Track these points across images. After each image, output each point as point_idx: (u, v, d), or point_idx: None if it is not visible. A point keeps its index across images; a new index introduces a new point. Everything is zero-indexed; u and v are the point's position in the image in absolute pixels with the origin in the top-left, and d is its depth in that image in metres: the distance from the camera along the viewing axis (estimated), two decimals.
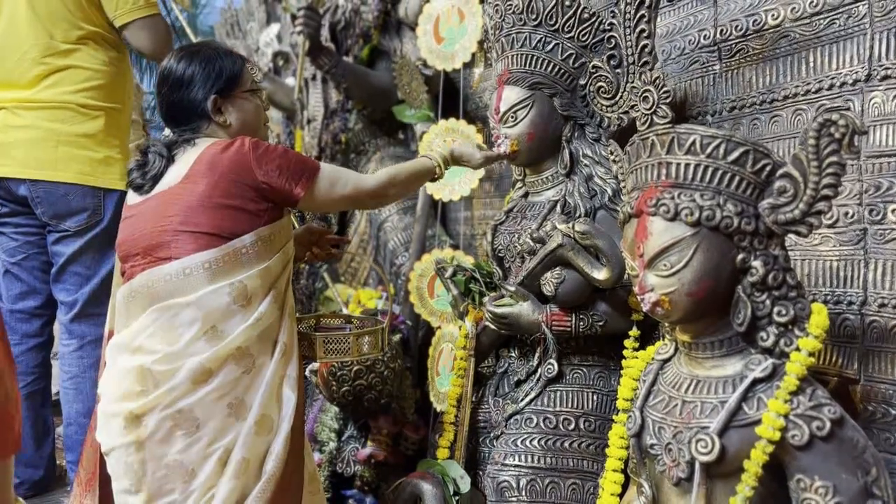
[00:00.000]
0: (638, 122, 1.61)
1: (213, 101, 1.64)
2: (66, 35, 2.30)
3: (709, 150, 1.17)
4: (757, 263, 1.17)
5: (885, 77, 1.38)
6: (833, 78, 1.46)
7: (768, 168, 1.17)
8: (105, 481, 1.63)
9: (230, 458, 1.50)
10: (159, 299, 1.52)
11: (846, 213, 1.42)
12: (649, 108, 1.57)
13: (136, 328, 1.54)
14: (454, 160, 1.84)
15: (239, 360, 1.52)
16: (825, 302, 1.44)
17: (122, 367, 1.54)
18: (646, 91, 1.58)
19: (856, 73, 1.42)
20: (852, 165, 1.40)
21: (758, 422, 1.13)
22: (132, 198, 1.67)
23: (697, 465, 1.17)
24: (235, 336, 1.51)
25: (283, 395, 1.58)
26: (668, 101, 1.56)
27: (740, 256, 1.17)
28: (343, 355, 1.79)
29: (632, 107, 1.65)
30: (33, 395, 2.42)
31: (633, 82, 1.68)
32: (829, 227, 1.44)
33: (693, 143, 1.18)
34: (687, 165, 1.19)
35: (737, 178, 1.17)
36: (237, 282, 1.53)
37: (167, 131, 1.71)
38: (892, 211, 1.35)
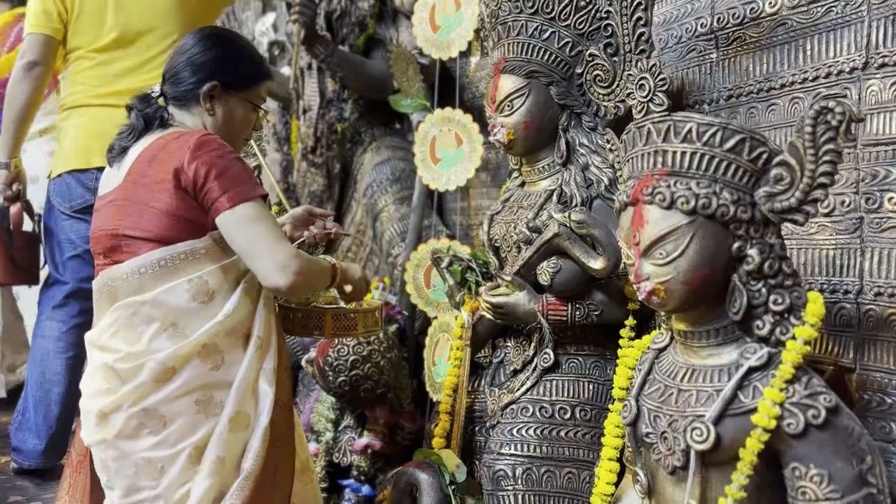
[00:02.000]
0: (634, 111, 1.60)
1: (212, 86, 1.60)
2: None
3: (705, 137, 1.17)
4: (753, 252, 1.16)
5: (883, 65, 1.37)
6: (830, 66, 1.46)
7: (765, 156, 1.16)
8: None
9: (205, 457, 1.47)
10: (119, 297, 1.51)
11: (842, 202, 1.41)
12: (645, 96, 1.56)
13: (102, 326, 1.53)
14: (343, 274, 1.68)
15: (205, 357, 1.48)
16: (821, 291, 1.43)
17: (94, 363, 1.54)
18: (642, 79, 1.57)
19: (853, 61, 1.42)
20: (849, 154, 1.40)
21: (753, 410, 1.13)
22: (102, 185, 1.65)
23: (693, 454, 1.17)
24: (200, 333, 1.47)
25: (259, 390, 1.54)
26: (664, 88, 1.55)
27: (736, 245, 1.17)
28: (349, 331, 1.77)
29: (628, 95, 1.65)
30: (75, 367, 2.55)
31: (629, 70, 1.67)
32: (826, 215, 1.44)
33: (689, 131, 1.18)
34: (683, 153, 1.18)
35: (733, 167, 1.16)
36: (196, 278, 1.48)
37: (157, 87, 1.66)
38: (889, 199, 1.35)
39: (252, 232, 1.47)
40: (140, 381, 1.45)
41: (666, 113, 1.27)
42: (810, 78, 1.49)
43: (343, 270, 1.68)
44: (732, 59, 1.66)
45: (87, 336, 1.58)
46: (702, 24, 1.71)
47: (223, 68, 1.62)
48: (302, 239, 1.87)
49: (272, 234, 1.49)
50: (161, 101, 1.63)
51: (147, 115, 1.61)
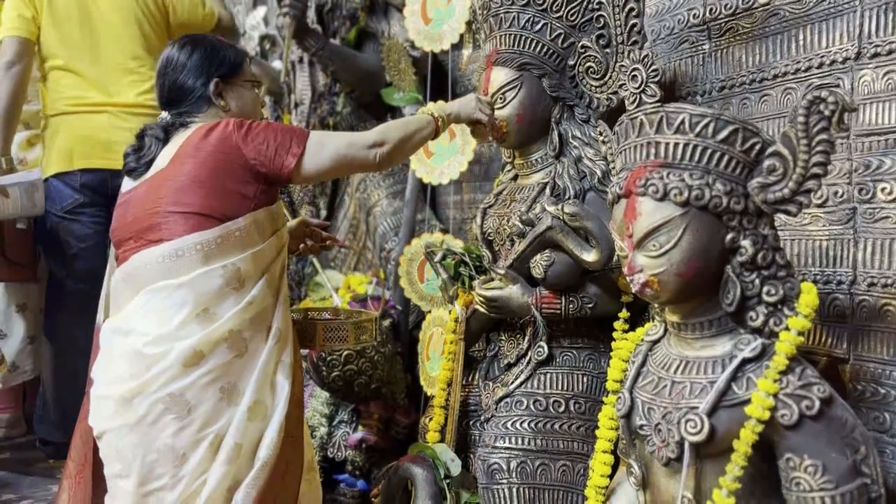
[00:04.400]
0: (627, 102, 1.59)
1: (215, 84, 1.66)
2: (159, 47, 2.69)
3: (698, 128, 1.16)
4: (746, 243, 1.16)
5: (875, 55, 1.37)
6: (823, 56, 1.45)
7: (758, 147, 1.16)
8: (99, 467, 1.62)
9: (223, 444, 1.49)
10: (151, 281, 1.51)
11: (836, 193, 1.41)
12: (638, 87, 1.55)
13: (130, 311, 1.53)
14: (451, 119, 1.77)
15: (231, 344, 1.50)
16: (815, 282, 1.43)
17: (115, 350, 1.53)
18: (634, 70, 1.57)
19: (846, 51, 1.41)
20: (842, 144, 1.39)
21: (747, 401, 1.13)
22: (126, 184, 1.67)
23: (687, 446, 1.17)
24: (227, 319, 1.49)
25: (276, 382, 1.56)
26: (657, 79, 1.54)
27: (729, 236, 1.16)
28: (342, 343, 1.80)
29: (620, 86, 1.64)
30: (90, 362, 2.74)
31: (621, 62, 1.66)
32: (819, 206, 1.43)
33: (682, 122, 1.17)
34: (676, 145, 1.18)
35: (726, 157, 1.16)
36: (230, 264, 1.51)
37: (164, 114, 1.71)
38: (882, 190, 1.35)
39: (327, 153, 1.60)
40: (167, 364, 1.46)
41: (658, 104, 1.26)
42: (803, 68, 1.49)
43: (445, 119, 1.75)
44: (725, 50, 1.65)
45: (108, 324, 1.59)
46: (694, 14, 1.70)
47: (213, 64, 1.68)
48: (298, 251, 1.94)
49: (342, 140, 1.64)
50: (171, 119, 1.68)
51: (165, 124, 1.66)
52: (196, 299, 1.49)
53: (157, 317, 1.49)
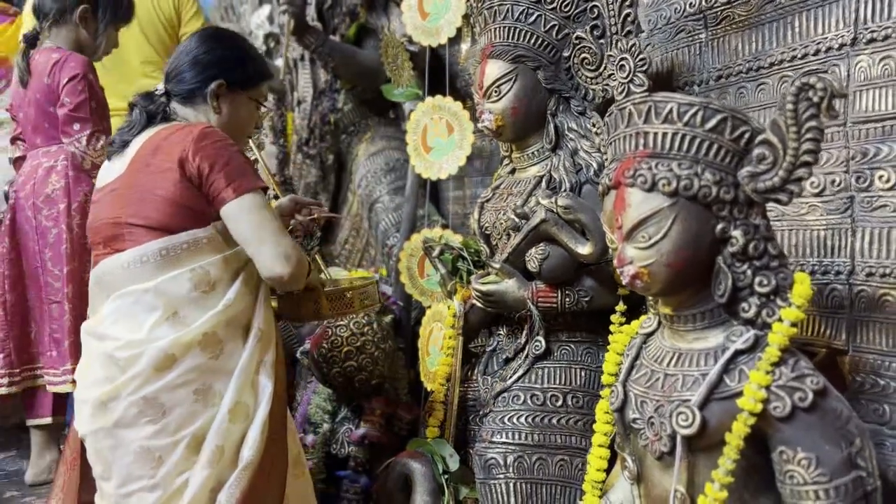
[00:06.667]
0: (615, 92, 1.58)
1: (218, 84, 1.63)
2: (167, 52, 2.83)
3: (686, 118, 1.14)
4: (737, 233, 1.14)
5: (871, 41, 1.35)
6: (819, 43, 1.43)
7: (747, 135, 1.14)
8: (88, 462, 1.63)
9: (204, 446, 1.48)
10: (119, 286, 1.51)
11: (833, 181, 1.39)
12: (626, 77, 1.54)
13: (101, 315, 1.54)
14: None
15: (205, 347, 1.49)
16: (812, 272, 1.41)
17: (92, 353, 1.54)
18: (622, 59, 1.55)
19: (841, 37, 1.39)
20: (838, 132, 1.37)
21: (739, 394, 1.11)
22: (101, 174, 1.66)
23: (679, 439, 1.15)
24: (201, 322, 1.48)
25: (259, 382, 1.55)
26: (644, 69, 1.52)
27: (720, 226, 1.14)
28: (347, 308, 1.77)
29: (610, 76, 1.62)
30: None
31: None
32: (816, 195, 1.41)
33: (670, 111, 1.15)
34: (664, 134, 1.16)
35: (715, 147, 1.14)
36: (198, 268, 1.50)
37: (161, 85, 1.69)
38: (880, 177, 1.32)
39: (256, 221, 1.50)
40: (140, 369, 1.46)
41: (647, 93, 1.24)
42: (799, 56, 1.46)
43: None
44: (721, 39, 1.63)
45: (84, 326, 1.59)
46: (690, 3, 1.68)
47: (228, 67, 1.65)
48: (290, 227, 1.87)
49: (275, 224, 1.53)
50: (164, 98, 1.66)
51: (149, 111, 1.63)
52: (165, 303, 1.48)
53: (127, 322, 1.49)
